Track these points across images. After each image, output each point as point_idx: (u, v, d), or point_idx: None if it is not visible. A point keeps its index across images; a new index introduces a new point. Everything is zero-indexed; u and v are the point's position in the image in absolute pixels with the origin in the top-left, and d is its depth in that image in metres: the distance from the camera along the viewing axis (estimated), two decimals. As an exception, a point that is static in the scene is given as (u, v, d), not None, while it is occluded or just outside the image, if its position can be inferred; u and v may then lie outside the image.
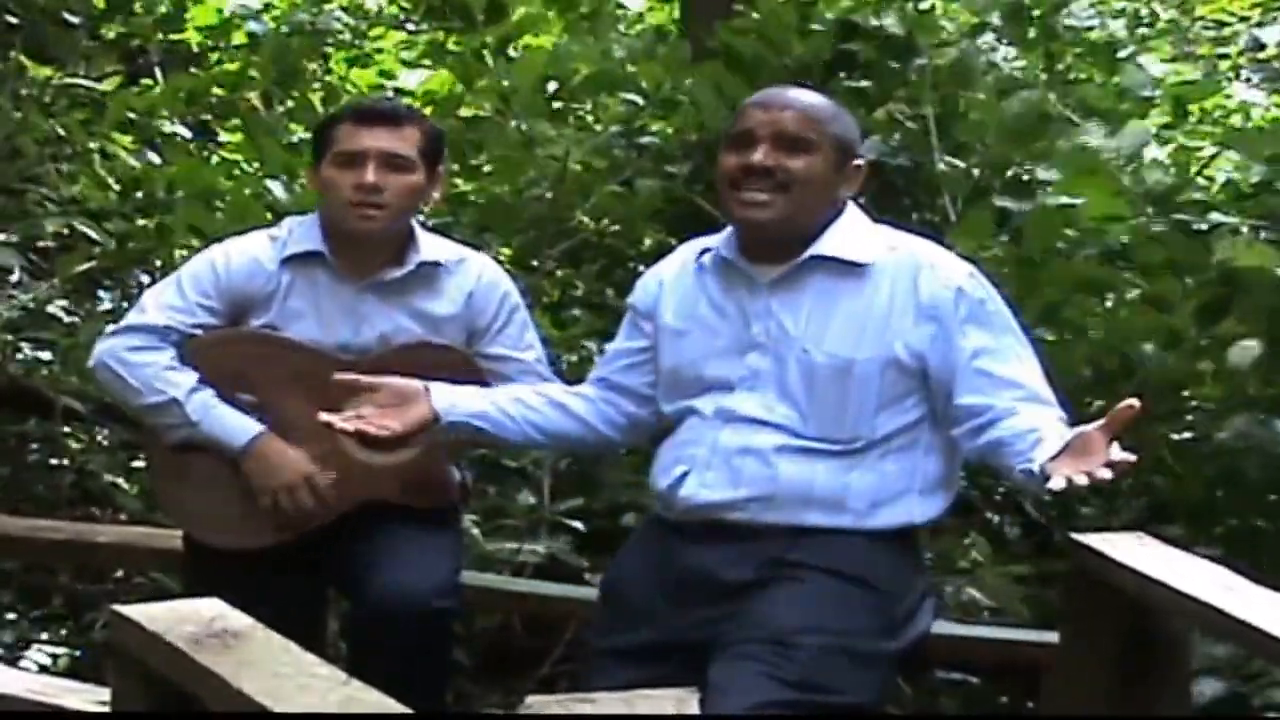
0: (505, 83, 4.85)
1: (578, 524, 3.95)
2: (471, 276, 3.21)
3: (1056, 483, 2.38)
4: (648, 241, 4.71)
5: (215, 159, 5.42)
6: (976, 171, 4.59)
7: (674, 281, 2.87)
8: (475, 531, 3.86)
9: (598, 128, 4.89)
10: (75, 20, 5.69)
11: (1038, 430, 2.54)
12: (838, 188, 2.77)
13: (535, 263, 4.52)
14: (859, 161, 2.81)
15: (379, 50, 6.46)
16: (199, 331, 3.11)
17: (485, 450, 4.03)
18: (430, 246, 3.21)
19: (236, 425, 3.07)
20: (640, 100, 4.81)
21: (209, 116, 5.74)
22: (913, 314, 2.69)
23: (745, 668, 2.53)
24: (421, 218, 3.79)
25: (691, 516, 2.73)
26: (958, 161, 4.60)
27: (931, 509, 2.76)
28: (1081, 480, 2.37)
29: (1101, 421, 2.43)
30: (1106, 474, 2.37)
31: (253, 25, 6.08)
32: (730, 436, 2.71)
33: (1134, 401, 2.43)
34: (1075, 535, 2.77)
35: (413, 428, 2.80)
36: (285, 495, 3.05)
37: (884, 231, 2.83)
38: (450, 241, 3.36)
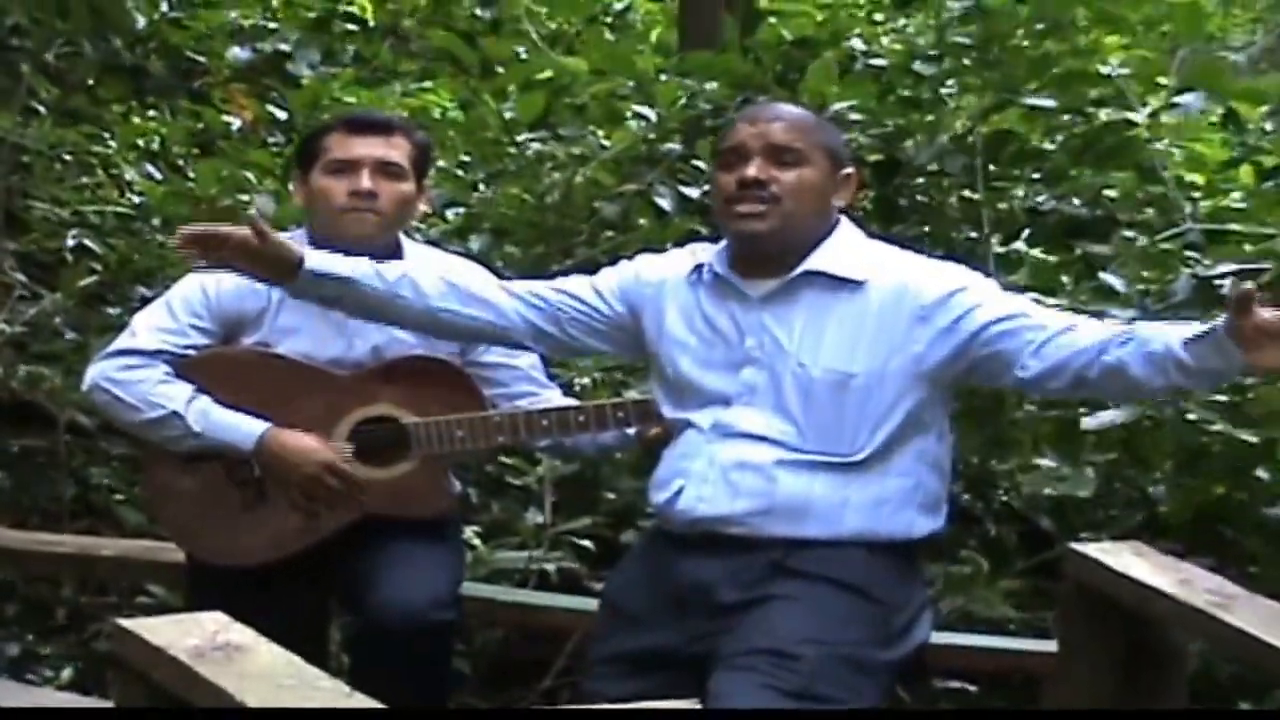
0: (509, 115, 4.87)
1: (585, 542, 3.95)
2: None
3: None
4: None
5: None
6: (1021, 193, 4.58)
7: (674, 289, 2.85)
8: (480, 545, 3.87)
9: (606, 142, 4.89)
10: (87, 48, 5.72)
11: (1137, 328, 2.60)
12: (830, 197, 2.79)
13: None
14: (848, 171, 2.83)
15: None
16: (191, 352, 3.12)
17: (488, 467, 4.06)
18: (417, 258, 3.21)
19: (242, 426, 3.07)
20: (652, 116, 4.81)
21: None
22: (907, 322, 2.69)
23: (745, 678, 2.52)
24: (421, 227, 3.80)
25: (690, 529, 2.72)
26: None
27: (930, 524, 2.76)
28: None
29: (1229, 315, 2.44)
30: None
31: (236, 50, 6.05)
32: (727, 451, 2.70)
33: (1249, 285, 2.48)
34: (1073, 545, 2.78)
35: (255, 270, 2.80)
36: (311, 485, 3.05)
37: (878, 247, 2.85)
38: (438, 252, 3.38)
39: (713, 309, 2.79)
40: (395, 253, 3.18)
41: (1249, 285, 2.45)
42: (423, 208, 3.34)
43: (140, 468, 3.42)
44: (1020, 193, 4.69)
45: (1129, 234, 4.35)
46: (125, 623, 2.28)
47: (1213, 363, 2.51)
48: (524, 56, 5.59)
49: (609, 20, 6.60)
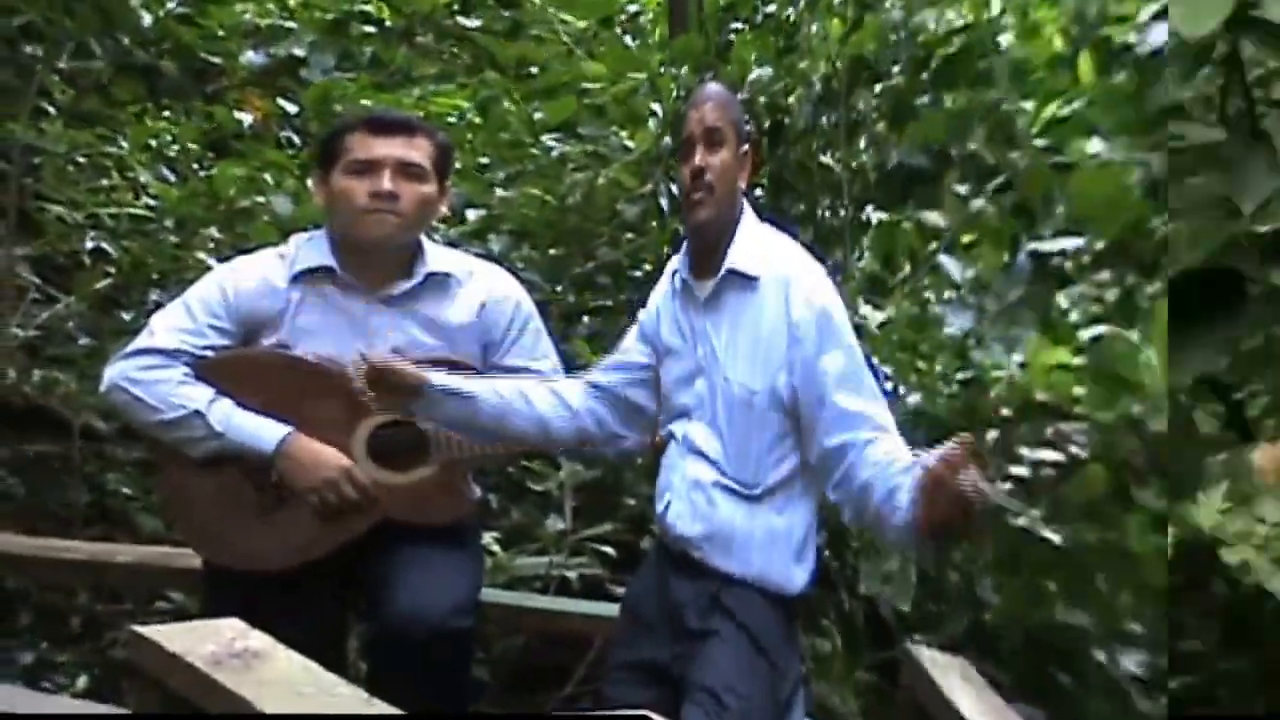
0: (538, 116, 4.81)
1: (606, 548, 3.91)
2: (483, 288, 3.20)
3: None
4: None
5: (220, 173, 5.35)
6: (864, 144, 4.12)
7: (664, 305, 2.85)
8: (500, 551, 3.83)
9: (630, 143, 4.84)
10: (96, 48, 5.69)
11: (896, 476, 2.42)
12: (739, 178, 2.73)
13: (559, 287, 4.47)
14: (747, 147, 2.77)
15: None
16: (209, 353, 3.09)
17: (509, 469, 4.02)
18: (438, 258, 3.20)
19: (264, 429, 3.05)
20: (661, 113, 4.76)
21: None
22: (786, 338, 2.61)
23: (697, 714, 2.51)
24: (441, 228, 3.74)
25: (675, 546, 2.71)
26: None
27: (802, 576, 2.66)
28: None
29: (938, 460, 2.28)
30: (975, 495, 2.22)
31: (250, 54, 6.02)
32: (690, 467, 2.69)
33: (967, 437, 2.29)
34: (910, 647, 2.60)
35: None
36: (329, 490, 3.02)
37: (767, 235, 2.75)
38: (459, 253, 3.35)
39: (682, 317, 2.78)
40: (416, 254, 3.15)
41: (965, 440, 2.19)
42: (443, 209, 3.31)
43: (156, 471, 3.39)
44: (864, 144, 4.18)
45: (960, 188, 3.68)
46: (141, 629, 2.26)
47: (899, 499, 2.38)
48: (549, 60, 5.54)
49: (623, 20, 6.54)
